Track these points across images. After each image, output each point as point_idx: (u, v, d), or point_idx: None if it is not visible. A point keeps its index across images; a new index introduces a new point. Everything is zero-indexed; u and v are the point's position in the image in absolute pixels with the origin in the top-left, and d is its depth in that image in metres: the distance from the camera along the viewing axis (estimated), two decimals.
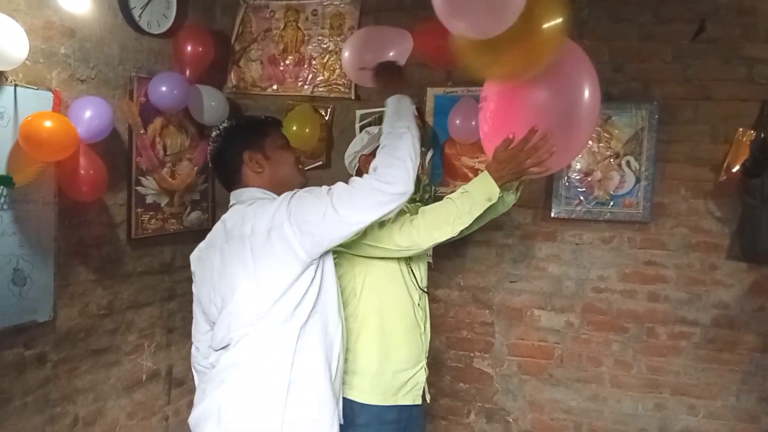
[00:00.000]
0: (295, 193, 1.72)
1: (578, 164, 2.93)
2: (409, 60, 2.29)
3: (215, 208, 3.45)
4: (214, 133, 1.92)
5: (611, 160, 2.90)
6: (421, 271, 2.19)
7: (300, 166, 1.95)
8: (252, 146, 1.85)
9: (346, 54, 2.32)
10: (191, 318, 3.32)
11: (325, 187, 1.70)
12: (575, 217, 2.97)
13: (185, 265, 3.27)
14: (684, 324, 2.89)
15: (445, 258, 3.15)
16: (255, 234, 1.67)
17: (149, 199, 2.93)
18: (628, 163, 2.87)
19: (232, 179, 1.88)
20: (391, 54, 2.23)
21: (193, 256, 1.91)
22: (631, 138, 2.86)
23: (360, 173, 2.16)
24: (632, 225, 2.93)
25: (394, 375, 2.04)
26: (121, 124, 2.75)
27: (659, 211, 2.89)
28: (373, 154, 2.12)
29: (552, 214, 2.99)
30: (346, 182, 1.70)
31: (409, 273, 2.12)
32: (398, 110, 1.83)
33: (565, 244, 3.02)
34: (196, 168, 3.19)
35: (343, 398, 1.87)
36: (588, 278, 3.00)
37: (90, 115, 2.37)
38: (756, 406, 2.82)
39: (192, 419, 1.79)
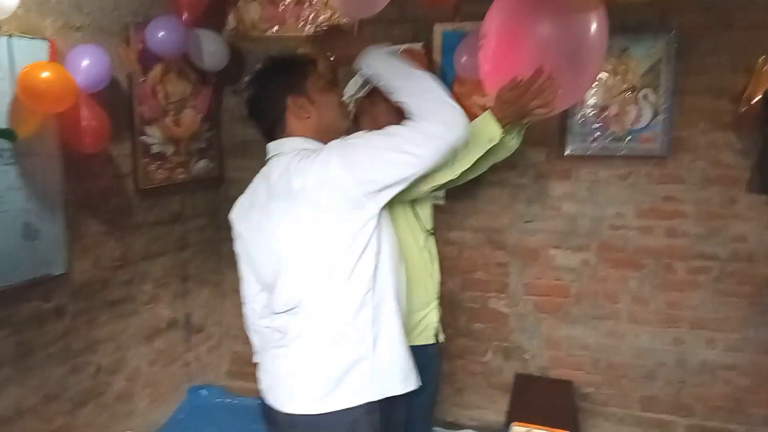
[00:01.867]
0: (344, 139, 1.57)
1: (593, 99, 2.84)
2: None
3: (223, 157, 3.41)
4: (247, 78, 1.74)
5: (628, 93, 2.80)
6: (426, 213, 2.15)
7: (344, 109, 1.81)
8: (295, 89, 1.67)
9: None
10: (205, 267, 3.39)
11: (373, 132, 1.55)
12: (591, 154, 2.90)
13: (196, 214, 3.28)
14: (702, 258, 2.86)
15: (457, 200, 3.11)
16: (307, 189, 1.52)
17: (155, 149, 2.89)
18: (645, 97, 2.78)
19: (274, 128, 1.69)
20: None
21: (235, 216, 1.75)
22: (648, 70, 2.76)
23: (358, 120, 2.09)
24: (650, 160, 2.85)
25: (406, 316, 2.04)
26: (121, 72, 2.68)
27: (677, 145, 2.81)
28: (370, 98, 2.04)
29: (566, 152, 2.92)
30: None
31: (414, 215, 2.08)
32: (389, 59, 1.65)
33: (580, 182, 2.96)
34: (200, 115, 3.13)
35: None
36: (604, 216, 2.95)
37: (88, 63, 2.30)
38: None
39: (265, 385, 1.70)
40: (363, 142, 1.55)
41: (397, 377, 1.66)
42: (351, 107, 2.10)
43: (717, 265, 2.84)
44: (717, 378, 2.91)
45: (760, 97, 2.61)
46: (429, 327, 2.14)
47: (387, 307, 1.63)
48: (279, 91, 1.67)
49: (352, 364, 1.58)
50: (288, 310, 1.62)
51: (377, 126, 2.06)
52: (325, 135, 1.65)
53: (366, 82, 2.05)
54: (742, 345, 2.86)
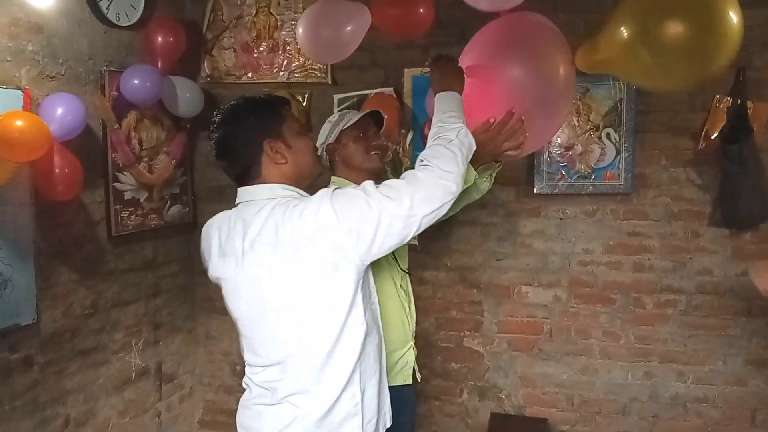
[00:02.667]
0: (334, 189, 1.51)
1: (559, 139, 2.93)
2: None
3: (196, 201, 3.41)
4: (218, 117, 1.65)
5: (591, 133, 2.90)
6: (402, 253, 2.18)
7: (317, 153, 1.77)
8: (272, 133, 1.60)
9: (300, 30, 2.27)
10: (178, 313, 3.36)
11: (367, 184, 1.51)
12: (558, 192, 2.97)
13: (168, 261, 3.26)
14: (670, 292, 2.92)
15: (431, 239, 3.14)
16: (295, 240, 1.46)
17: (128, 195, 2.89)
18: (608, 136, 2.88)
19: (247, 173, 1.62)
20: (349, 29, 2.20)
21: (214, 267, 1.67)
22: (609, 110, 2.87)
23: (333, 164, 2.13)
24: (614, 197, 2.94)
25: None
26: (94, 120, 2.70)
27: (641, 181, 2.90)
28: (339, 141, 2.09)
29: (535, 190, 3.00)
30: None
31: (391, 255, 2.11)
32: (450, 105, 1.64)
33: (549, 219, 3.03)
34: (173, 161, 3.14)
35: None
36: (573, 252, 3.02)
37: (62, 112, 2.31)
38: (742, 369, 2.86)
39: None
40: (358, 193, 1.49)
41: (379, 423, 1.66)
42: (323, 154, 2.14)
43: (684, 298, 2.91)
44: (689, 411, 2.94)
45: (717, 133, 2.72)
46: (407, 366, 2.15)
47: (373, 355, 1.61)
48: (254, 134, 1.60)
49: (342, 422, 1.55)
50: (273, 365, 1.57)
51: (351, 166, 2.11)
52: (300, 180, 1.63)
53: (332, 129, 2.09)
54: (712, 377, 2.91)
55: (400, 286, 2.14)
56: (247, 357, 1.66)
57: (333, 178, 2.14)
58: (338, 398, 1.53)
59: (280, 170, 1.61)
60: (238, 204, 1.65)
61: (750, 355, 2.85)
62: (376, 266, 2.05)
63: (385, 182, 1.52)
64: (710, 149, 2.76)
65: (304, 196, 1.59)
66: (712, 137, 2.75)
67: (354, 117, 2.11)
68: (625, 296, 2.97)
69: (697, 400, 2.93)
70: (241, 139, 1.61)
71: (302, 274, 1.49)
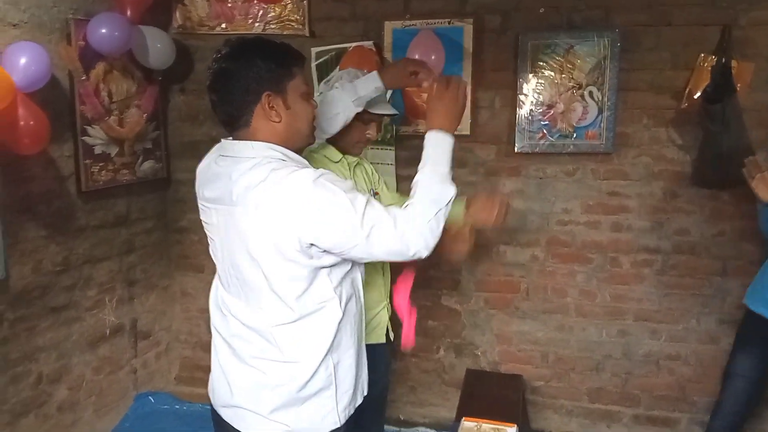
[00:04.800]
0: (319, 176, 1.41)
1: (541, 97, 2.88)
2: None
3: (169, 157, 3.33)
4: (225, 49, 1.52)
5: (574, 91, 2.85)
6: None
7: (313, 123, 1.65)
8: (275, 86, 1.49)
9: None
10: (153, 270, 3.32)
11: (359, 200, 1.42)
12: (539, 151, 2.94)
13: (142, 217, 3.20)
14: (646, 252, 2.93)
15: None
16: (260, 213, 1.41)
17: (98, 150, 2.80)
18: (590, 94, 2.84)
19: (236, 119, 1.52)
20: None
21: (202, 212, 1.62)
22: (593, 68, 2.81)
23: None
24: (595, 156, 2.91)
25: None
26: (60, 70, 2.59)
27: (622, 141, 2.88)
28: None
29: (516, 149, 2.96)
30: None
31: None
32: (446, 156, 1.56)
33: (529, 178, 3.01)
34: (145, 115, 3.04)
35: None
36: (552, 212, 3.00)
37: (25, 62, 2.21)
38: (716, 328, 2.90)
39: (222, 399, 1.64)
40: (343, 210, 1.41)
41: (357, 393, 1.66)
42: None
43: (660, 258, 2.92)
44: (661, 368, 2.99)
45: (700, 93, 2.68)
46: (380, 326, 2.17)
47: (350, 326, 1.60)
48: (257, 81, 1.48)
49: (318, 391, 1.55)
50: (256, 328, 1.54)
51: (336, 135, 2.05)
52: (289, 143, 1.54)
53: (352, 95, 2.01)
54: (685, 335, 2.95)
55: None
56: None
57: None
58: (315, 370, 1.52)
59: (270, 128, 1.51)
60: (219, 155, 1.56)
61: (723, 315, 2.88)
62: None
63: (376, 208, 1.45)
64: (692, 109, 2.73)
65: (290, 159, 1.51)
66: (695, 96, 2.71)
67: (381, 109, 2.10)
68: (602, 256, 2.98)
69: (670, 357, 2.98)
70: (242, 80, 1.48)
71: (268, 260, 1.46)
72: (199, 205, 1.63)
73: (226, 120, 1.55)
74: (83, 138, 2.71)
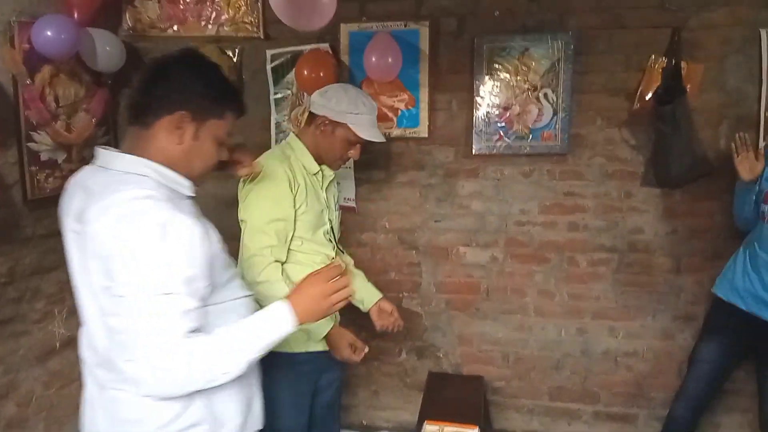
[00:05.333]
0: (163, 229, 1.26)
1: (497, 99, 2.90)
2: None
3: None
4: (183, 52, 1.46)
5: (529, 93, 2.88)
6: (336, 224, 2.27)
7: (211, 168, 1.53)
8: (197, 113, 1.40)
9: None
10: None
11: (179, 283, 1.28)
12: (496, 152, 2.96)
13: None
14: (602, 251, 2.98)
15: (369, 202, 3.10)
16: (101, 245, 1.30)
17: (44, 156, 2.69)
18: (545, 96, 2.86)
19: (143, 115, 1.40)
20: None
21: (70, 220, 1.47)
22: (547, 70, 2.84)
23: (309, 124, 2.17)
24: (551, 157, 2.94)
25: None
26: (4, 74, 2.48)
27: (577, 142, 2.91)
28: (335, 125, 2.10)
29: (473, 151, 2.97)
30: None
31: (323, 232, 2.18)
32: (276, 337, 1.39)
33: (487, 180, 3.02)
34: (94, 119, 2.94)
35: None
36: (510, 213, 3.02)
37: None
38: (671, 324, 2.96)
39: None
40: (164, 298, 1.27)
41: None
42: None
43: (616, 256, 2.97)
44: (619, 365, 3.04)
45: (651, 94, 2.74)
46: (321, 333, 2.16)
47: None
48: (184, 95, 1.39)
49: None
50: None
51: (317, 149, 2.18)
52: (177, 167, 1.41)
53: (347, 113, 2.10)
54: (642, 332, 3.00)
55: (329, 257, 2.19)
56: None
57: (291, 140, 2.17)
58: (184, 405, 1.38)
59: (168, 147, 1.40)
60: (102, 166, 1.43)
61: (678, 311, 2.95)
62: (309, 237, 2.06)
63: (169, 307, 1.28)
64: (644, 110, 2.79)
65: (175, 192, 1.40)
66: (647, 98, 2.77)
67: (371, 135, 2.14)
68: (559, 255, 3.01)
69: (627, 354, 3.02)
70: (173, 84, 1.39)
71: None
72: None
73: (132, 112, 1.43)
74: (28, 144, 2.60)
